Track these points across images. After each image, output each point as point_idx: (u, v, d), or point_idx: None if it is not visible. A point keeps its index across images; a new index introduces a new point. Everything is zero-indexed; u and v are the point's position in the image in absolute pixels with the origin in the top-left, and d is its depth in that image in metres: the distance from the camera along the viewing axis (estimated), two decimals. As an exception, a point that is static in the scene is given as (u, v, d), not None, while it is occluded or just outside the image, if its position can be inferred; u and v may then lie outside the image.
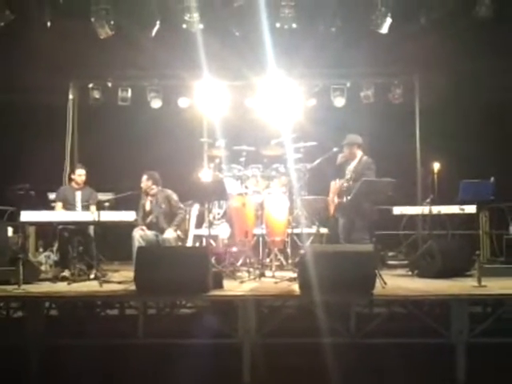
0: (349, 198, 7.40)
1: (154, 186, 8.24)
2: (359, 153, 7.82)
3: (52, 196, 8.89)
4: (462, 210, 8.64)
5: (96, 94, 10.77)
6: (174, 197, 8.28)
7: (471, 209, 8.64)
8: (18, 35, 8.73)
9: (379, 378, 6.08)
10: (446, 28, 8.77)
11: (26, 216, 7.20)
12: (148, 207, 8.26)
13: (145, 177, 8.28)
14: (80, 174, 8.28)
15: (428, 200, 8.54)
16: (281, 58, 9.40)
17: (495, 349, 6.08)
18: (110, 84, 10.77)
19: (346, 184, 7.62)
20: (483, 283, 6.41)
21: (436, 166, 8.54)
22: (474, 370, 5.96)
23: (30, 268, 7.10)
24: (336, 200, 7.66)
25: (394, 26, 8.59)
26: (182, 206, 8.30)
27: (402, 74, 10.62)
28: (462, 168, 9.16)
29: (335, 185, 7.77)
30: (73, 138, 10.58)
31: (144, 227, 8.04)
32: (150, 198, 8.28)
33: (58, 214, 7.68)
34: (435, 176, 8.43)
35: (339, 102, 10.78)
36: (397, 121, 10.28)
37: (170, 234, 7.90)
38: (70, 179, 8.58)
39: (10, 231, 7.95)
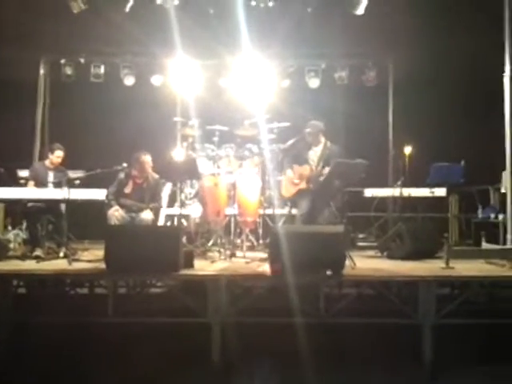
0: (320, 180, 7.41)
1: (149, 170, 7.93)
2: (322, 139, 7.81)
3: (22, 173, 8.77)
4: (432, 192, 8.73)
5: (68, 71, 10.63)
6: (159, 181, 8.02)
7: (441, 192, 8.74)
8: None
9: (348, 358, 6.17)
10: (419, 8, 8.80)
11: (-5, 193, 7.12)
12: (130, 189, 7.85)
13: (149, 157, 7.88)
14: (58, 156, 8.07)
15: (399, 182, 8.62)
16: (256, 38, 9.36)
17: (461, 330, 6.18)
18: (82, 60, 10.62)
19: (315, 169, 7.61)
20: (451, 265, 6.50)
21: (407, 148, 8.60)
22: (441, 351, 6.06)
23: (-2, 245, 7.04)
24: (304, 185, 7.61)
25: (368, 7, 8.59)
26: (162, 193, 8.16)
27: (376, 56, 10.64)
28: (433, 151, 9.23)
29: (302, 170, 7.69)
30: (43, 114, 10.44)
31: (118, 207, 7.69)
32: (137, 180, 7.89)
33: (27, 191, 7.53)
34: (406, 158, 8.49)
35: (314, 83, 10.78)
36: (370, 102, 10.31)
37: (147, 215, 7.69)
38: (45, 157, 8.42)
39: (-23, 208, 7.85)
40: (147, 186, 7.91)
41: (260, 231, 8.20)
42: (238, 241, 8.02)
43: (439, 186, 8.62)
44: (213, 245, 7.88)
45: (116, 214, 7.54)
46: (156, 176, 7.97)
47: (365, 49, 10.42)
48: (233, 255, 7.47)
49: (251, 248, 8.02)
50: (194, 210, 8.35)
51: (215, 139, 8.32)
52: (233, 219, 8.02)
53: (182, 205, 8.10)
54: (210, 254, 7.63)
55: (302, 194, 7.62)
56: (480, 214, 8.84)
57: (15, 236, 8.10)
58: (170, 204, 8.56)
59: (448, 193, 8.76)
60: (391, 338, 6.26)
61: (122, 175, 7.87)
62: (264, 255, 7.14)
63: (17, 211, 8.36)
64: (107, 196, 7.57)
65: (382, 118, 10.51)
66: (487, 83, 9.00)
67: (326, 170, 7.34)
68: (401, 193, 8.49)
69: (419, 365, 6.08)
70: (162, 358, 6.10)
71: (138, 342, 6.27)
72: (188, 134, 8.82)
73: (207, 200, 8.02)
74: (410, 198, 8.75)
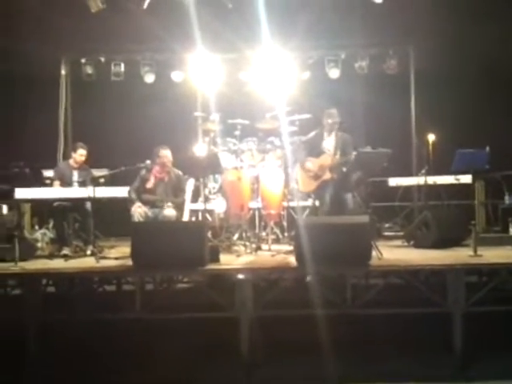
0: (344, 170, 7.38)
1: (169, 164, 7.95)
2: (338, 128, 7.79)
3: (46, 173, 8.85)
4: (458, 180, 8.64)
5: (89, 70, 10.68)
6: (182, 177, 8.03)
7: (466, 179, 8.64)
8: (10, 8, 8.62)
9: (376, 349, 6.15)
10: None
11: (21, 193, 7.20)
12: (151, 185, 7.85)
13: (169, 152, 7.88)
14: (81, 154, 8.13)
15: (423, 171, 8.53)
16: (275, 31, 9.32)
17: (491, 317, 6.13)
18: (102, 59, 10.67)
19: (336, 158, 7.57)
20: (479, 252, 6.44)
21: (431, 136, 8.51)
22: (471, 339, 6.01)
23: (26, 245, 7.10)
24: (328, 175, 7.56)
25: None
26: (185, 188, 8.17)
27: (396, 44, 10.55)
28: (458, 138, 9.12)
29: (321, 161, 7.64)
30: (66, 113, 10.52)
31: (140, 204, 7.71)
32: (158, 174, 7.89)
33: (52, 191, 7.62)
34: (430, 146, 8.41)
35: (334, 73, 10.70)
36: (392, 91, 10.22)
37: (170, 211, 7.71)
38: (68, 156, 8.49)
39: (4, 209, 7.92)
40: (169, 181, 7.93)
41: (285, 224, 8.18)
42: (263, 234, 8.02)
43: (464, 172, 8.52)
44: (238, 239, 7.88)
45: (139, 210, 7.57)
46: (178, 171, 7.98)
47: (385, 37, 10.32)
48: (258, 248, 7.47)
49: (276, 241, 8.01)
50: (218, 205, 8.34)
51: (237, 133, 8.30)
52: (257, 212, 8.02)
53: (206, 200, 8.10)
54: (235, 248, 7.63)
55: (324, 186, 7.58)
56: (507, 200, 8.69)
57: (42, 235, 8.19)
58: (194, 199, 8.55)
59: (473, 179, 8.65)
60: (420, 328, 6.25)
61: (143, 171, 7.90)
62: (289, 248, 7.13)
63: (43, 211, 8.46)
64: (129, 192, 7.61)
65: (403, 107, 10.41)
66: (511, 70, 8.88)
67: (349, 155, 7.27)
68: (425, 181, 8.40)
69: (449, 353, 6.04)
70: (190, 352, 6.13)
71: (167, 338, 6.33)
72: (209, 129, 8.81)
73: (231, 194, 8.02)
74: (435, 186, 8.67)
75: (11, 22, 9.02)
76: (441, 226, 7.41)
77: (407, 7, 9.01)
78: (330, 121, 7.69)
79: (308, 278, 6.32)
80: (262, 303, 6.14)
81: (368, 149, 7.12)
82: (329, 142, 7.72)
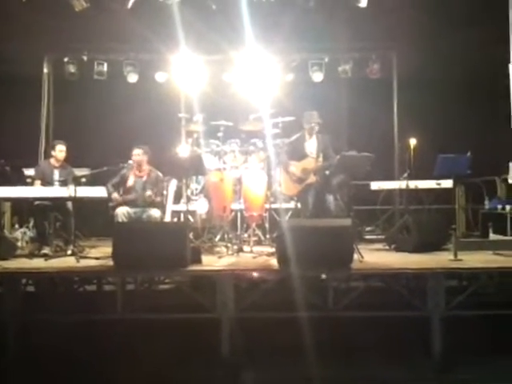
0: (327, 173, 7.41)
1: (146, 164, 8.06)
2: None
3: (27, 172, 8.77)
4: (439, 184, 8.69)
5: (72, 68, 10.58)
6: (161, 178, 8.10)
7: (448, 183, 8.70)
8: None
9: (356, 351, 6.18)
10: (423, 1, 8.76)
11: (1, 192, 7.14)
12: (131, 182, 7.95)
13: (140, 151, 7.99)
14: (61, 150, 8.09)
15: (405, 175, 8.59)
16: (259, 33, 9.32)
17: (470, 322, 6.18)
18: (85, 58, 10.59)
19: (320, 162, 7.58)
20: (459, 257, 6.50)
21: (413, 141, 8.57)
22: (450, 343, 6.06)
23: (6, 244, 7.06)
24: (312, 178, 7.57)
25: (372, 0, 8.55)
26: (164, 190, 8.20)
27: (379, 49, 10.59)
28: (439, 142, 9.20)
29: (305, 164, 7.66)
30: (48, 112, 10.44)
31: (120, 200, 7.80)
32: (136, 172, 8.01)
33: (33, 190, 7.56)
34: (412, 151, 8.46)
35: (317, 76, 10.72)
36: (375, 95, 10.26)
37: (155, 212, 7.74)
38: (49, 155, 8.44)
39: (-15, 207, 7.86)
40: (148, 179, 7.99)
41: (267, 225, 8.18)
42: (245, 235, 8.02)
43: (446, 177, 8.59)
44: (220, 240, 7.89)
45: (123, 210, 7.58)
46: (158, 173, 8.04)
47: (368, 42, 10.36)
48: (240, 250, 7.47)
49: (258, 243, 8.00)
50: (201, 206, 8.34)
51: (220, 134, 8.31)
52: (239, 214, 8.02)
53: (188, 201, 8.09)
54: (217, 249, 7.64)
55: (307, 189, 7.59)
56: (487, 205, 8.80)
57: (23, 234, 8.13)
58: (176, 200, 8.54)
59: (454, 184, 8.72)
60: (400, 331, 6.28)
61: (124, 170, 7.98)
62: (271, 249, 7.14)
63: (24, 209, 8.40)
64: (107, 187, 7.63)
65: (386, 111, 10.45)
66: (492, 75, 8.96)
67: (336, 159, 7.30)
68: (407, 185, 8.46)
69: (428, 357, 6.09)
70: (171, 353, 6.11)
71: (147, 339, 6.29)
72: (193, 130, 8.80)
73: (213, 195, 8.03)
74: (416, 190, 8.72)
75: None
76: (421, 230, 7.47)
77: (390, 12, 9.06)
78: (311, 123, 7.68)
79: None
80: (244, 305, 6.14)
81: (352, 152, 7.15)
82: (311, 145, 7.72)
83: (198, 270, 6.32)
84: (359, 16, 9.06)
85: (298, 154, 7.69)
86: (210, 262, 6.66)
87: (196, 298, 6.21)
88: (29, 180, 8.53)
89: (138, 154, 7.99)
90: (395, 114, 10.51)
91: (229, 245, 7.54)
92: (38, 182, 7.99)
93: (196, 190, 8.59)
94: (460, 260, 6.46)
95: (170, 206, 8.36)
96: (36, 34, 9.35)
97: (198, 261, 6.46)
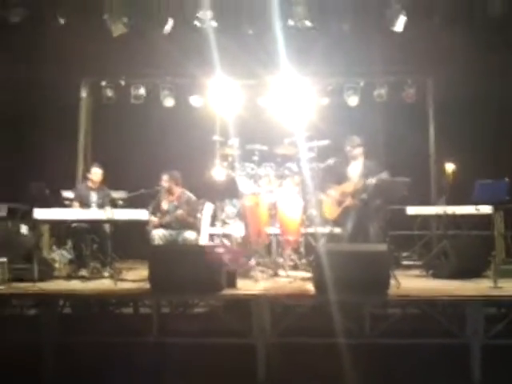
0: (364, 197, 7.37)
1: (176, 187, 8.22)
2: (361, 154, 7.78)
3: (66, 194, 8.91)
4: (478, 210, 8.54)
5: (109, 93, 10.77)
6: (194, 200, 8.26)
7: (486, 209, 8.55)
8: (32, 32, 8.74)
9: (393, 379, 6.06)
10: (459, 26, 8.72)
11: (40, 214, 7.23)
12: (165, 206, 8.18)
13: (166, 177, 8.19)
14: (96, 173, 8.26)
15: (442, 200, 8.48)
16: (294, 57, 9.36)
17: (509, 350, 6.04)
18: (122, 82, 10.76)
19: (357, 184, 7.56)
20: (499, 284, 6.37)
21: (450, 165, 8.48)
22: (490, 371, 5.93)
23: (44, 266, 7.15)
24: (350, 201, 7.54)
25: (408, 25, 8.54)
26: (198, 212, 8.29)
27: (415, 73, 10.56)
28: (477, 167, 9.09)
29: (344, 188, 7.64)
30: (86, 136, 10.60)
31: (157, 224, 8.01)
32: (170, 197, 8.22)
33: (71, 212, 7.68)
34: (449, 176, 8.37)
35: (352, 100, 10.73)
36: (410, 119, 10.23)
37: (190, 234, 7.85)
38: (86, 178, 8.57)
39: (24, 229, 7.95)
40: (179, 202, 8.16)
41: (302, 250, 8.15)
42: (281, 260, 7.98)
43: (484, 203, 8.46)
44: (255, 264, 7.86)
45: (159, 232, 7.68)
46: (190, 195, 8.18)
47: (404, 66, 10.35)
48: (275, 274, 7.44)
49: (294, 267, 7.97)
50: (236, 229, 8.34)
51: (255, 158, 8.32)
52: (274, 238, 7.99)
53: (224, 224, 8.11)
54: (252, 273, 7.60)
55: (347, 212, 7.56)
56: (526, 231, 8.64)
57: (60, 256, 8.22)
58: (212, 223, 8.56)
59: (494, 210, 8.58)
60: (438, 359, 6.15)
61: (160, 194, 8.13)
62: (307, 274, 7.10)
63: (62, 231, 8.50)
64: (148, 210, 7.70)
65: (422, 135, 10.40)
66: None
67: (370, 181, 7.27)
68: (445, 210, 8.34)
69: (468, 386, 5.96)
70: (208, 378, 6.07)
71: (183, 362, 6.26)
72: (227, 154, 8.82)
73: (249, 219, 8.02)
74: (454, 216, 8.61)
75: (33, 46, 9.13)
76: (460, 256, 7.36)
77: (426, 37, 9.04)
78: (351, 148, 7.69)
79: None
80: (280, 330, 6.10)
81: (385, 174, 7.12)
82: (354, 169, 7.71)
83: (233, 294, 6.31)
84: (394, 40, 9.04)
85: (338, 177, 7.68)
86: (246, 287, 6.64)
87: (230, 322, 6.18)
88: (67, 202, 8.66)
89: (164, 180, 8.19)
90: (431, 138, 10.45)
91: (264, 269, 7.51)
92: (76, 204, 8.12)
93: (232, 213, 8.59)
94: (500, 287, 6.34)
95: (206, 229, 8.39)
96: (74, 58, 9.53)
97: (234, 285, 6.45)
